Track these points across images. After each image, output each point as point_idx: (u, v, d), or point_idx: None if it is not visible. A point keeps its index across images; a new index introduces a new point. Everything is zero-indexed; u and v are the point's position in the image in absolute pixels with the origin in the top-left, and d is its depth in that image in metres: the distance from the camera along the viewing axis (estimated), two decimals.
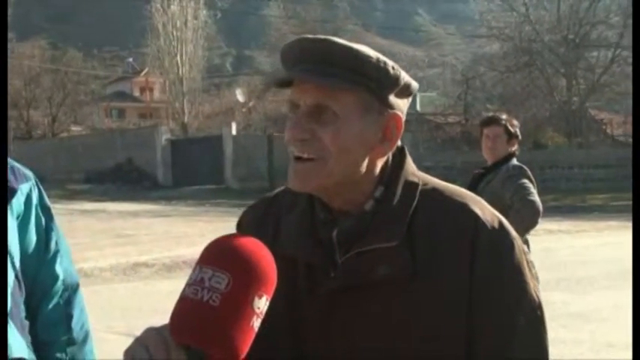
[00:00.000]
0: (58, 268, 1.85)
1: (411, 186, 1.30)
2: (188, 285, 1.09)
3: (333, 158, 1.24)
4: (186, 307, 1.07)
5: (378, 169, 1.30)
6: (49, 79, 43.88)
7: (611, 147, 27.57)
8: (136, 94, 63.35)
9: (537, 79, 30.46)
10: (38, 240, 1.82)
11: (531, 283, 1.28)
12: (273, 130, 31.56)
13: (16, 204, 1.77)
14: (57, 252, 1.86)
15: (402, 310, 1.23)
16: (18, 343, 1.71)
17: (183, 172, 30.20)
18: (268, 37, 42.55)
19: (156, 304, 7.25)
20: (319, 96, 1.23)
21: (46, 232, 1.84)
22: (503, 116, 4.66)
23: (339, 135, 1.23)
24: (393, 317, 1.23)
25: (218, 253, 1.11)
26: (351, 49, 1.24)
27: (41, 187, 1.86)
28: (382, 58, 1.26)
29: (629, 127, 30.68)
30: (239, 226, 1.45)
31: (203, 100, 42.59)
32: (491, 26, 32.13)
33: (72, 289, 1.88)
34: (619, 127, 31.30)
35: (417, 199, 1.29)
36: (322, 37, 1.26)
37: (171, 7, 38.88)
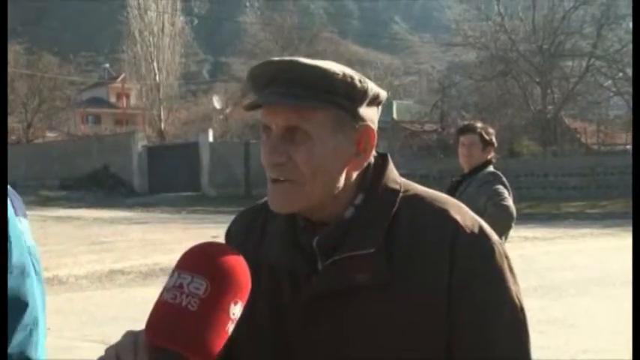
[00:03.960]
0: None
1: (391, 193, 1.31)
2: (167, 290, 1.11)
3: (309, 179, 1.25)
4: (165, 311, 1.09)
5: (356, 181, 1.31)
6: (24, 85, 43.42)
7: (584, 155, 27.86)
8: (112, 100, 63.01)
9: (513, 87, 30.79)
10: None
11: (513, 287, 1.29)
12: (250, 137, 31.55)
13: None
14: None
15: (381, 315, 1.24)
16: None
17: (160, 178, 30.08)
18: (245, 44, 42.64)
19: (132, 311, 7.20)
20: (290, 117, 1.23)
21: None
22: (479, 124, 4.73)
23: (313, 154, 1.24)
24: (373, 323, 1.24)
25: (197, 260, 1.13)
26: (317, 67, 1.24)
27: None
28: (348, 72, 1.26)
29: (603, 136, 31.12)
30: (228, 233, 1.47)
31: (180, 107, 42.60)
32: (467, 35, 32.43)
33: None
34: (592, 135, 31.68)
35: (397, 205, 1.29)
36: (288, 58, 1.26)
37: (148, 13, 38.79)
